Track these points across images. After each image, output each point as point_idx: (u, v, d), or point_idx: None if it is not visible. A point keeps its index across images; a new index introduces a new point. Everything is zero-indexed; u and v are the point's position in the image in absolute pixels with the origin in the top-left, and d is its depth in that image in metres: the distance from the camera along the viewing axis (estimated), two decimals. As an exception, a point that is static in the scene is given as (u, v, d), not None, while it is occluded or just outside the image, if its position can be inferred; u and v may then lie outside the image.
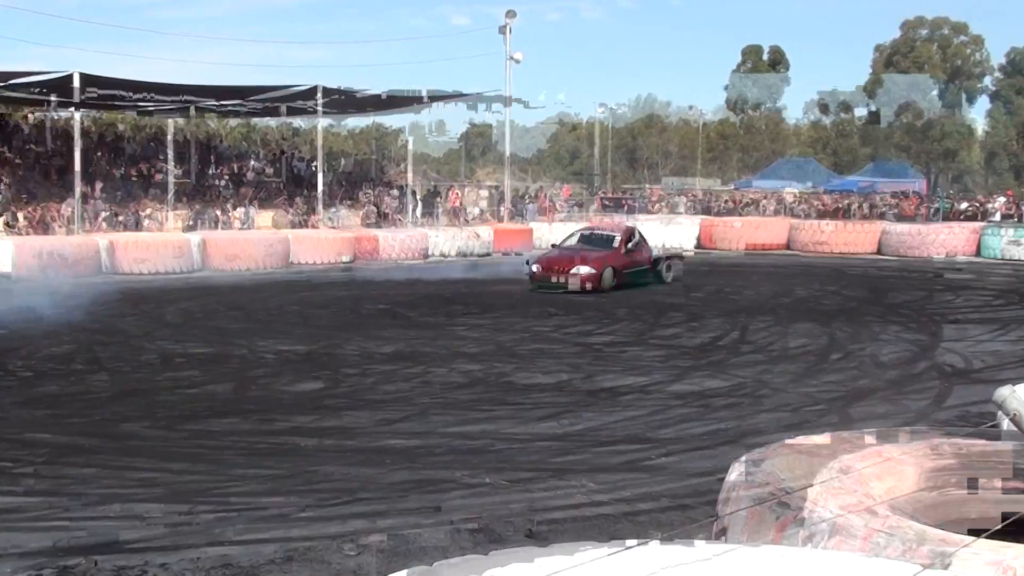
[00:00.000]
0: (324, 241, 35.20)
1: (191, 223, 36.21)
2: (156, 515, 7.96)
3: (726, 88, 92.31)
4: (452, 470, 9.28)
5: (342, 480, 8.97)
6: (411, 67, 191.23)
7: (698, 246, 43.24)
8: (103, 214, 34.59)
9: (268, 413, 11.84)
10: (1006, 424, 2.63)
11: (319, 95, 39.14)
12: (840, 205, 49.60)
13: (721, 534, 3.49)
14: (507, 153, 50.68)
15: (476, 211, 47.52)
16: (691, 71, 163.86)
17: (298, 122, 52.67)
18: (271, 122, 54.14)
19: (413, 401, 12.57)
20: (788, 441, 4.16)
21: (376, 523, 7.78)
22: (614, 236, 27.23)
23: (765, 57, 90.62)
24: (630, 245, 27.01)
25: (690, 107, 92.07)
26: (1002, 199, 48.01)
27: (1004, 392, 2.49)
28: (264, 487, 8.78)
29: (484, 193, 45.13)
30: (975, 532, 3.09)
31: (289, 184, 44.78)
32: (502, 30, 47.31)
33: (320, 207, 39.99)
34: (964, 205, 47.46)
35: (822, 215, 46.74)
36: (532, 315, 20.96)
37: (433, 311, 21.77)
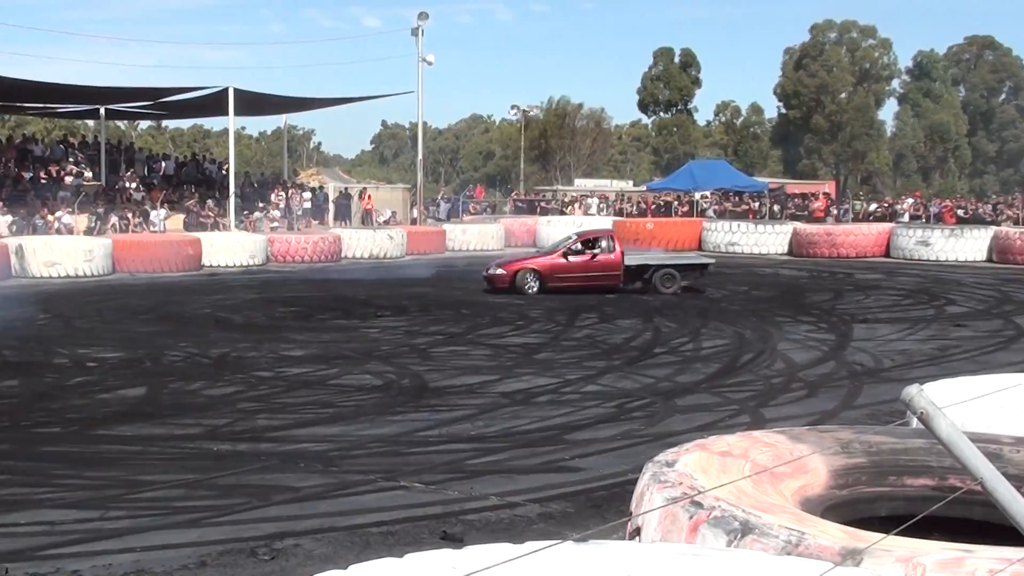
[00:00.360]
0: (236, 244, 34.89)
1: (93, 225, 35.69)
2: (68, 521, 7.86)
3: (638, 90, 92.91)
4: (366, 473, 9.24)
5: (256, 484, 8.90)
6: (323, 69, 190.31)
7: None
8: (9, 219, 34.00)
9: (181, 417, 11.72)
10: (915, 422, 2.66)
11: (231, 97, 38.82)
12: (750, 206, 50.09)
13: (635, 534, 3.50)
14: (420, 156, 50.61)
15: (387, 213, 47.32)
16: (603, 73, 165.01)
17: (209, 124, 52.32)
18: (182, 124, 53.65)
19: (326, 404, 12.51)
20: (701, 441, 4.18)
21: (290, 527, 7.73)
22: (576, 239, 26.57)
23: (676, 60, 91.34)
24: (579, 249, 25.97)
25: (602, 109, 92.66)
26: (910, 200, 48.78)
27: (911, 391, 2.51)
28: (177, 492, 8.70)
29: (307, 195, 44.70)
30: (886, 529, 3.12)
31: (200, 186, 44.36)
32: (414, 32, 47.23)
33: (232, 209, 39.66)
34: (873, 206, 48.12)
35: (733, 216, 47.12)
36: (446, 318, 20.93)
37: (347, 313, 21.66)
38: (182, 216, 38.99)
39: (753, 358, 15.99)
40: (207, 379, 14.10)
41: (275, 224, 40.48)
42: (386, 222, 45.50)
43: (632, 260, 25.91)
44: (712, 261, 27.20)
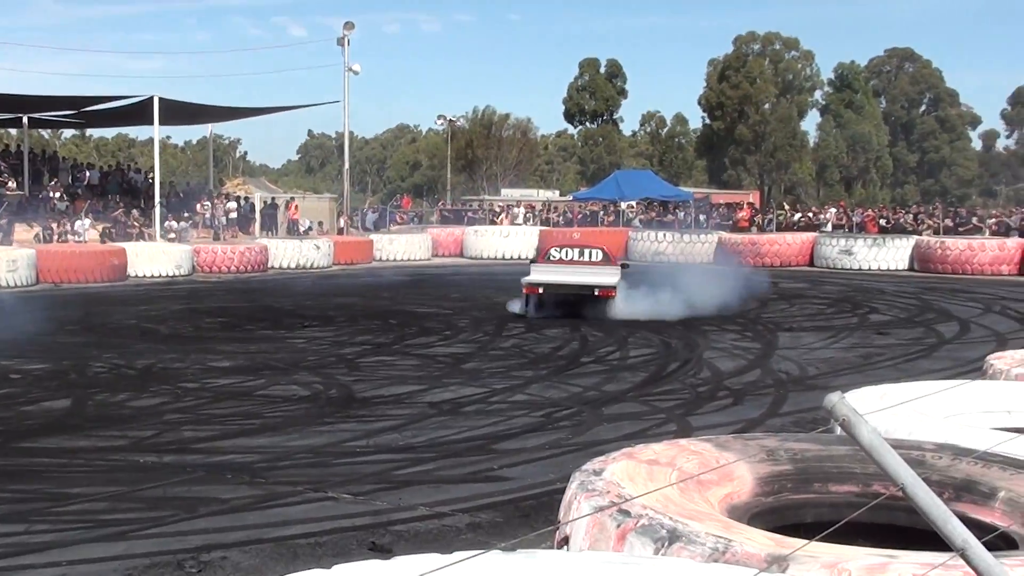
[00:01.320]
0: (162, 254, 34.58)
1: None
2: (-11, 535, 7.75)
3: (564, 100, 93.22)
4: (294, 484, 9.20)
5: (182, 496, 8.82)
6: (249, 78, 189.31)
7: (537, 257, 43.42)
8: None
9: (106, 429, 11.58)
10: (838, 430, 2.70)
11: (155, 106, 38.48)
12: (674, 215, 50.40)
13: (563, 543, 3.51)
14: (346, 166, 50.49)
15: (306, 223, 47.04)
16: (529, 84, 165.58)
17: (135, 133, 51.84)
18: (107, 133, 53.09)
19: (253, 415, 12.43)
20: (628, 450, 4.20)
21: (217, 539, 7.68)
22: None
23: (602, 70, 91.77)
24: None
25: (528, 119, 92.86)
26: (833, 210, 49.27)
27: (833, 398, 2.54)
28: (103, 504, 8.60)
29: (232, 204, 44.37)
30: (812, 536, 3.16)
31: (126, 196, 43.93)
32: (340, 42, 47.14)
33: (157, 219, 39.29)
34: (797, 216, 48.58)
35: (659, 226, 47.36)
36: (373, 328, 20.87)
37: (274, 324, 21.54)
38: (107, 226, 38.58)
39: (680, 367, 16.08)
40: (133, 390, 13.95)
41: (198, 235, 40.15)
42: (306, 231, 45.10)
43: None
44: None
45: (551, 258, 23.54)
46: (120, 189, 45.03)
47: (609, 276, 22.64)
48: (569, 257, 23.50)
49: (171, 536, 7.73)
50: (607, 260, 23.61)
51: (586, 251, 23.78)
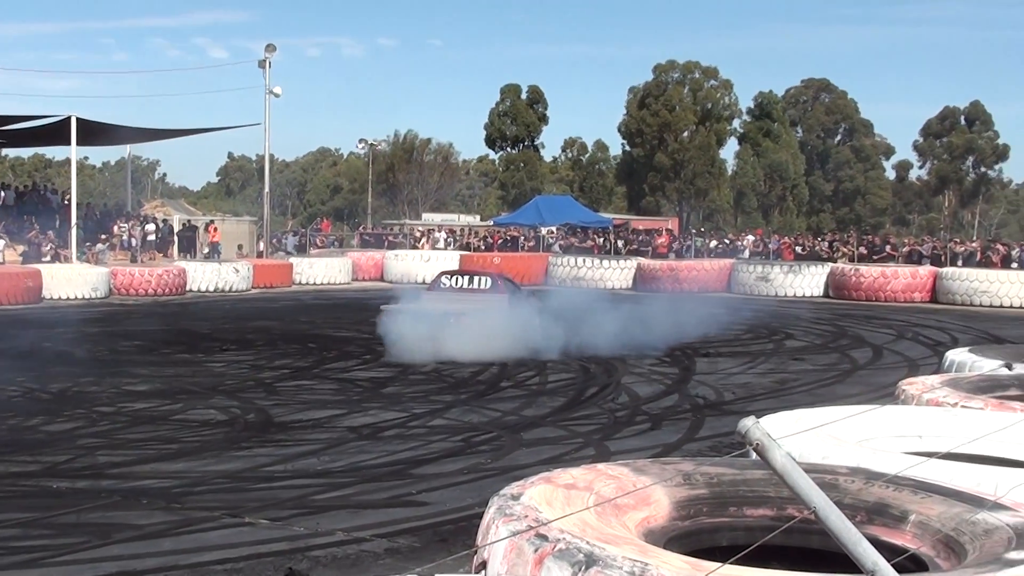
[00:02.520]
0: (78, 276, 34.08)
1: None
2: None
3: (485, 126, 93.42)
4: (211, 509, 9.12)
5: (97, 522, 8.71)
6: (168, 99, 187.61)
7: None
8: None
9: (19, 454, 11.39)
10: (753, 454, 2.74)
11: (73, 126, 38.03)
12: (594, 241, 50.63)
13: (481, 567, 3.52)
14: (266, 189, 50.21)
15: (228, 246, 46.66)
16: (451, 109, 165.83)
17: (51, 153, 51.13)
18: (23, 153, 52.36)
19: (170, 439, 12.31)
20: (546, 474, 4.22)
21: (131, 566, 7.60)
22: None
23: (524, 96, 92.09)
24: None
25: (450, 144, 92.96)
26: (751, 237, 49.78)
27: (747, 423, 2.59)
28: (15, 531, 8.47)
29: (151, 227, 43.85)
30: (727, 559, 3.20)
31: (41, 217, 43.33)
32: (261, 64, 46.92)
33: (74, 241, 38.80)
34: (714, 243, 49.01)
35: (579, 251, 47.54)
36: (292, 352, 20.76)
37: (191, 347, 21.35)
38: (22, 247, 38.04)
39: (598, 391, 16.16)
40: (46, 414, 13.75)
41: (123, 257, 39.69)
42: (206, 256, 44.32)
43: None
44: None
45: (441, 286, 23.14)
46: (36, 210, 44.40)
47: (486, 305, 21.43)
48: (459, 285, 23.07)
49: (84, 563, 7.64)
50: (495, 288, 22.70)
51: (476, 278, 23.33)
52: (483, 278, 23.26)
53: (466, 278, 23.25)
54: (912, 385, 7.79)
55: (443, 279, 23.31)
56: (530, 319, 21.95)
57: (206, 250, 44.75)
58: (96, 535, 8.34)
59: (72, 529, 8.52)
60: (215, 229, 47.21)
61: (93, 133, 41.69)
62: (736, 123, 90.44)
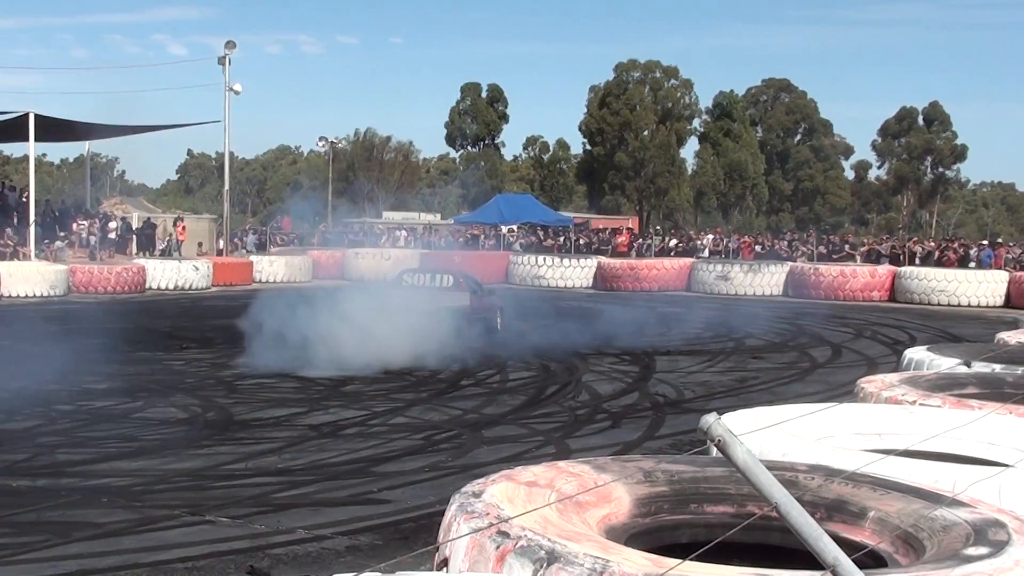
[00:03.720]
0: (36, 273, 33.86)
1: None
2: None
3: (446, 124, 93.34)
4: (171, 508, 9.08)
5: (57, 521, 8.66)
6: (127, 96, 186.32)
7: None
8: None
9: (-26, 453, 11.33)
10: (714, 450, 2.76)
11: (31, 122, 37.72)
12: (554, 240, 50.71)
13: (443, 565, 3.52)
14: (227, 187, 49.98)
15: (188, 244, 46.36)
16: (412, 107, 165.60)
17: (9, 150, 50.57)
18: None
19: (130, 437, 12.25)
20: (507, 472, 4.23)
21: (92, 564, 7.56)
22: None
23: (484, 94, 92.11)
24: None
25: (410, 142, 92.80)
26: (711, 236, 49.97)
27: (709, 419, 2.60)
28: (-31, 530, 8.41)
29: (112, 224, 43.41)
30: (687, 556, 3.21)
31: (-2, 214, 42.98)
32: (221, 61, 46.71)
33: (32, 238, 38.46)
34: (674, 242, 49.17)
35: (539, 250, 47.58)
36: (252, 349, 20.66)
37: (152, 345, 21.23)
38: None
39: (559, 389, 16.19)
40: (4, 413, 13.61)
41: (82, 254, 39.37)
42: (162, 252, 43.97)
43: None
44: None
45: (404, 284, 23.00)
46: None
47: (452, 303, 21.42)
48: (421, 283, 23.00)
49: (44, 562, 7.60)
50: (458, 287, 22.79)
51: (438, 276, 23.24)
52: (446, 276, 23.25)
53: (428, 276, 23.24)
54: (871, 383, 7.83)
55: (405, 276, 23.25)
56: (491, 317, 22.01)
57: (162, 245, 44.44)
58: (56, 534, 8.29)
59: (32, 528, 8.47)
60: (183, 228, 46.91)
61: (51, 129, 41.37)
62: (696, 122, 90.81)
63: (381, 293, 21.65)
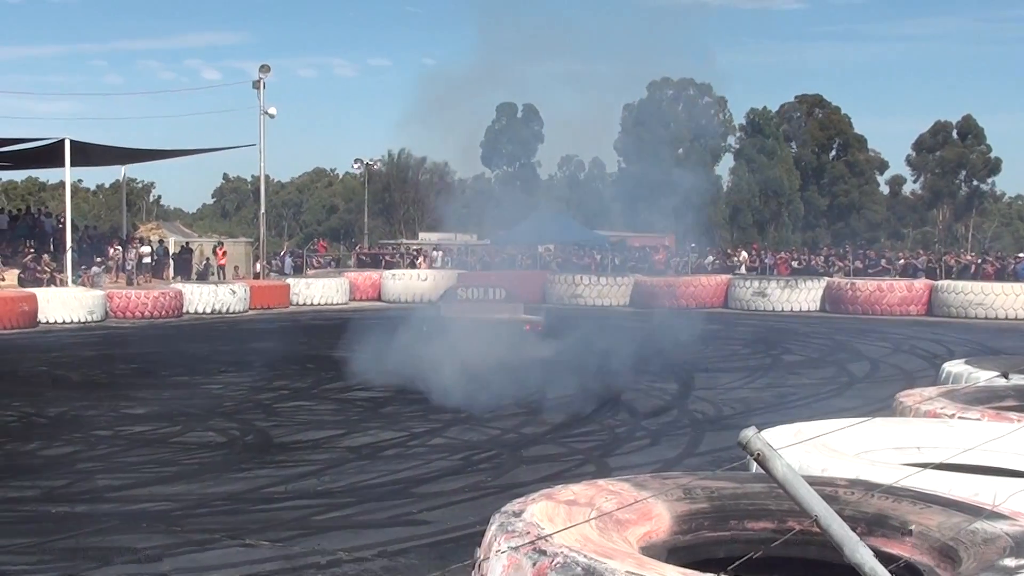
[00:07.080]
0: (74, 299, 34.03)
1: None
2: None
3: (481, 144, 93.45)
4: (210, 532, 9.11)
5: (96, 546, 8.71)
6: (163, 121, 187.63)
7: (457, 299, 43.40)
8: None
9: (17, 479, 11.38)
10: (753, 466, 2.75)
11: (67, 148, 37.99)
12: (592, 259, 50.65)
13: (481, 583, 3.53)
14: (262, 210, 50.22)
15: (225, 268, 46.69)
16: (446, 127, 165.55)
17: (45, 176, 50.97)
18: (16, 176, 52.15)
19: (169, 462, 12.30)
20: (547, 491, 4.23)
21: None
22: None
23: (519, 115, 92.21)
24: None
25: (445, 163, 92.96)
26: (746, 253, 49.81)
27: (748, 433, 2.61)
28: (12, 557, 8.45)
29: (146, 249, 43.60)
30: (726, 572, 3.21)
31: (36, 240, 43.28)
32: (256, 84, 47.02)
33: (69, 264, 38.73)
34: (710, 259, 49.03)
35: (576, 269, 47.54)
36: (290, 373, 20.75)
37: (189, 369, 21.30)
38: (16, 271, 37.98)
39: (597, 408, 16.14)
40: (44, 439, 13.74)
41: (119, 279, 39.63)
42: (199, 276, 44.36)
43: None
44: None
45: (458, 298, 23.49)
46: (30, 233, 44.33)
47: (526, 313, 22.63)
48: (475, 296, 23.47)
49: (86, 586, 7.64)
50: (511, 297, 23.77)
51: (489, 290, 23.76)
52: (495, 289, 23.63)
53: (480, 289, 23.59)
54: (909, 397, 7.80)
55: (458, 291, 23.55)
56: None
57: (199, 268, 44.72)
58: (96, 559, 8.33)
59: (71, 554, 8.51)
60: (223, 252, 47.13)
61: (87, 155, 41.65)
62: (731, 139, 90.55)
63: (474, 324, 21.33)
